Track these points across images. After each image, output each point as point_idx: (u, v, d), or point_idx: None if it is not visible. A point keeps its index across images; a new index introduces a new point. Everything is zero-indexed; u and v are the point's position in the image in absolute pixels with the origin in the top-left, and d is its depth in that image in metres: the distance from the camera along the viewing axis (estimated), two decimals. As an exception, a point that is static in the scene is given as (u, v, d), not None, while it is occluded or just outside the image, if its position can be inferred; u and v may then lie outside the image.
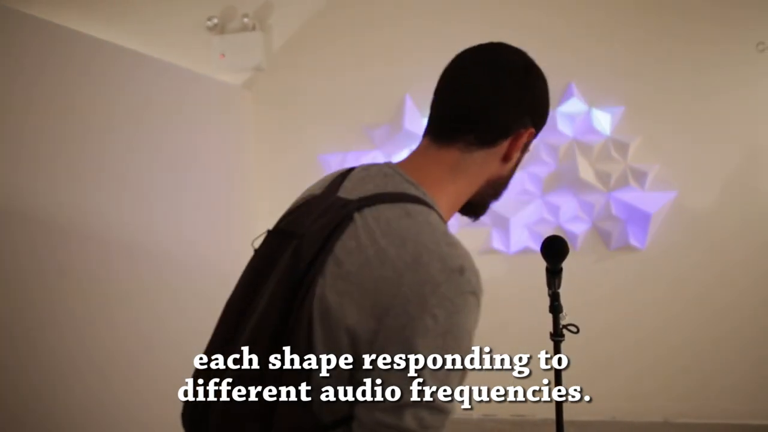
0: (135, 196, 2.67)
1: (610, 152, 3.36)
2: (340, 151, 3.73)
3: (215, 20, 3.80)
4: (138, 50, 2.82)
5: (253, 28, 3.79)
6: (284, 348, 0.80)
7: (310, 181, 3.75)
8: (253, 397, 0.80)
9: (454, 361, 0.78)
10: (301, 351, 0.79)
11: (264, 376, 0.80)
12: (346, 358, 0.79)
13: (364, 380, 0.77)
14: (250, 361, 0.82)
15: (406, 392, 0.75)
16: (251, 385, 0.81)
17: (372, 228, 0.83)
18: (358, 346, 0.79)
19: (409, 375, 0.75)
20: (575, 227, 3.44)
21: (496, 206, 3.67)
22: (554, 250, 1.54)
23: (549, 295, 1.64)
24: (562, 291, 1.67)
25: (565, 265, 1.64)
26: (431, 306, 0.77)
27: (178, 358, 2.79)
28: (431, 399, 0.75)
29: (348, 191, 0.91)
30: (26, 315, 2.08)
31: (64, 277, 2.24)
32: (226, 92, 3.65)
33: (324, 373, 0.79)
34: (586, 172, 3.36)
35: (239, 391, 0.82)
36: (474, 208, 1.03)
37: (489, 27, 3.46)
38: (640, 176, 3.33)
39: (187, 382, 0.93)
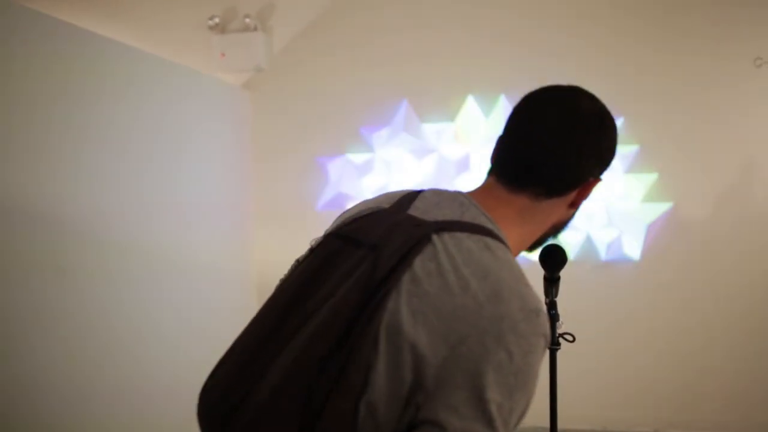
0: (133, 193, 2.67)
1: (607, 162, 3.37)
2: (338, 153, 3.73)
3: (216, 19, 3.79)
4: (137, 47, 2.81)
5: (255, 29, 3.79)
6: (345, 356, 0.77)
7: (307, 182, 3.78)
8: (295, 405, 0.77)
9: (520, 400, 0.78)
10: (361, 364, 0.77)
11: (313, 385, 0.77)
12: (405, 379, 0.77)
13: (425, 410, 0.76)
14: (303, 365, 0.78)
15: (473, 425, 0.74)
16: (295, 392, 0.77)
17: (453, 254, 0.83)
18: (422, 368, 0.77)
19: (479, 409, 0.75)
20: (570, 236, 3.45)
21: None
22: (553, 258, 1.54)
23: (546, 304, 1.64)
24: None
25: (560, 273, 1.65)
26: (508, 342, 0.77)
27: (175, 356, 2.79)
28: None
29: (421, 212, 0.90)
30: (24, 311, 2.07)
31: (62, 275, 2.23)
32: (225, 92, 3.65)
33: (379, 390, 0.77)
34: (582, 182, 3.37)
35: (280, 396, 0.78)
36: (534, 245, 1.04)
37: (489, 37, 3.48)
38: (636, 187, 3.35)
39: (218, 365, 0.88)
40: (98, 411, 2.37)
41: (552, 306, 1.63)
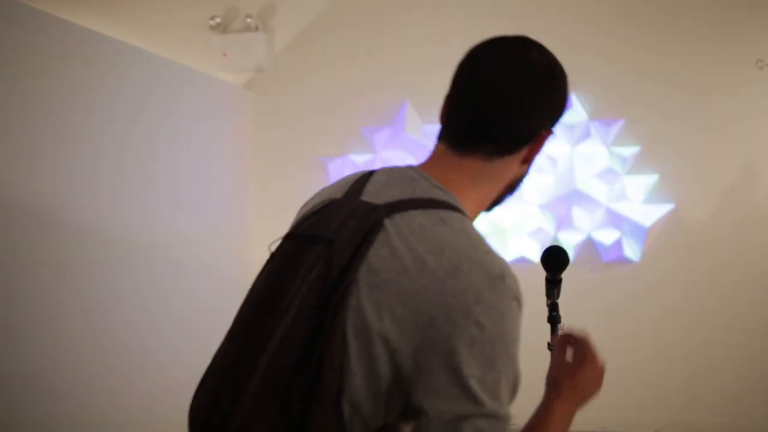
0: (133, 193, 2.66)
1: (608, 164, 3.37)
2: (339, 154, 3.73)
3: (218, 19, 3.79)
4: (139, 46, 2.81)
5: (256, 29, 3.78)
6: (316, 360, 0.76)
7: (308, 182, 3.78)
8: (277, 417, 0.76)
9: (504, 368, 0.76)
10: (334, 366, 0.75)
11: (287, 395, 0.76)
12: (383, 373, 0.76)
13: (413, 397, 0.75)
14: (278, 372, 0.77)
15: (458, 405, 0.73)
16: (273, 404, 0.76)
17: (406, 235, 0.80)
18: (397, 359, 0.76)
19: (459, 387, 0.73)
20: (571, 238, 3.45)
21: (493, 215, 3.65)
22: (556, 260, 1.53)
23: (547, 306, 1.63)
24: (555, 301, 1.66)
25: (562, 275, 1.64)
26: (476, 314, 0.75)
27: (174, 355, 2.78)
28: (485, 407, 0.73)
29: (372, 196, 0.87)
30: (23, 310, 2.07)
31: (61, 273, 2.23)
32: (226, 92, 3.64)
33: (358, 388, 0.76)
34: (583, 183, 3.37)
35: (264, 402, 0.77)
36: (490, 206, 1.00)
37: (491, 36, 3.47)
38: (637, 188, 3.35)
39: (200, 383, 0.87)
40: (98, 408, 2.37)
41: (554, 308, 1.62)
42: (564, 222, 3.46)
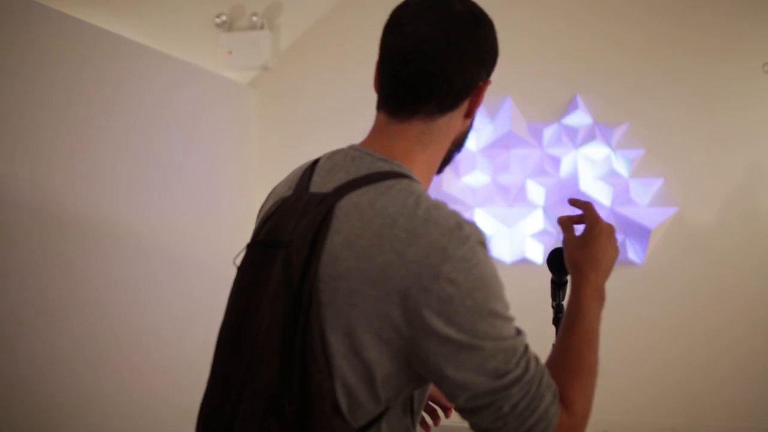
0: (137, 190, 2.66)
1: (613, 166, 3.37)
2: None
3: (224, 17, 3.79)
4: (143, 43, 2.81)
5: (262, 27, 3.79)
6: (298, 365, 0.75)
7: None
8: (276, 418, 0.76)
9: (494, 310, 0.76)
10: (319, 364, 0.75)
11: (282, 396, 0.75)
12: (373, 358, 0.75)
13: (433, 374, 0.76)
14: (265, 382, 0.77)
15: (464, 364, 0.74)
16: (270, 407, 0.76)
17: (356, 216, 0.78)
18: (386, 339, 0.75)
19: (454, 345, 0.73)
20: (575, 239, 3.45)
21: (498, 215, 3.65)
22: (561, 262, 1.52)
23: (552, 307, 1.62)
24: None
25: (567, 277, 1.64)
26: (446, 272, 0.73)
27: (175, 354, 2.79)
28: (484, 351, 0.74)
29: (319, 185, 0.86)
30: (23, 306, 2.07)
31: (62, 270, 2.22)
32: (231, 90, 3.65)
33: (350, 381, 0.76)
34: (587, 185, 3.37)
35: (257, 411, 0.77)
36: (441, 166, 0.98)
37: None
38: (641, 191, 3.35)
39: (204, 394, 0.87)
40: (96, 405, 2.37)
41: (559, 310, 1.62)
42: (568, 224, 3.45)
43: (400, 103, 0.90)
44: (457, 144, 0.97)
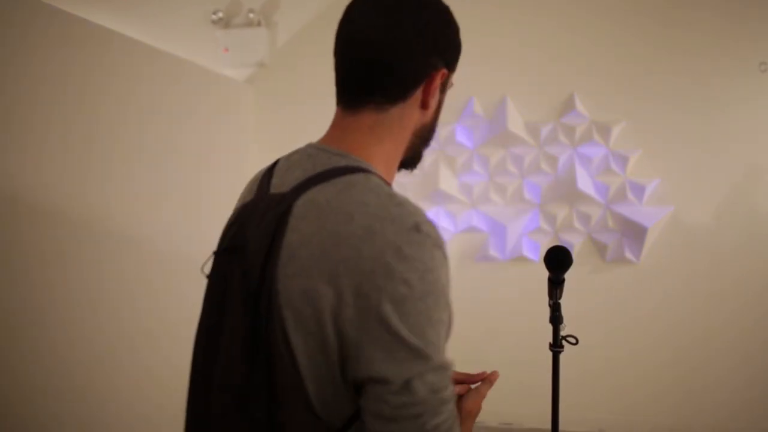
0: (133, 187, 2.65)
1: (610, 165, 3.37)
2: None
3: (220, 14, 3.78)
4: (141, 40, 2.79)
5: (258, 24, 3.78)
6: (262, 367, 0.75)
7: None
8: (249, 426, 0.76)
9: (440, 319, 0.74)
10: (285, 365, 0.74)
11: (248, 400, 0.76)
12: (334, 356, 0.74)
13: (361, 368, 0.73)
14: (231, 387, 0.77)
15: (407, 365, 0.71)
16: (243, 416, 0.76)
17: (313, 213, 0.77)
18: (342, 337, 0.73)
19: (403, 349, 0.71)
20: (571, 238, 3.45)
21: (494, 213, 3.65)
22: (559, 260, 1.53)
23: (549, 306, 1.63)
24: (555, 300, 1.66)
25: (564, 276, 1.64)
26: (400, 272, 0.71)
27: (177, 348, 2.77)
28: (431, 361, 0.72)
29: (278, 186, 0.85)
30: (28, 303, 2.06)
31: (66, 269, 2.22)
32: (228, 87, 3.63)
33: (318, 379, 0.75)
34: (584, 184, 3.37)
35: (231, 424, 0.78)
36: (407, 160, 0.96)
37: (492, 38, 3.47)
38: (637, 190, 3.35)
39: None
40: (98, 402, 2.36)
41: (556, 308, 1.63)
42: (564, 222, 3.46)
43: (348, 95, 0.89)
44: (422, 137, 0.93)
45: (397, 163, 0.92)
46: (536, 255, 3.50)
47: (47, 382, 2.14)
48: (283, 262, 0.76)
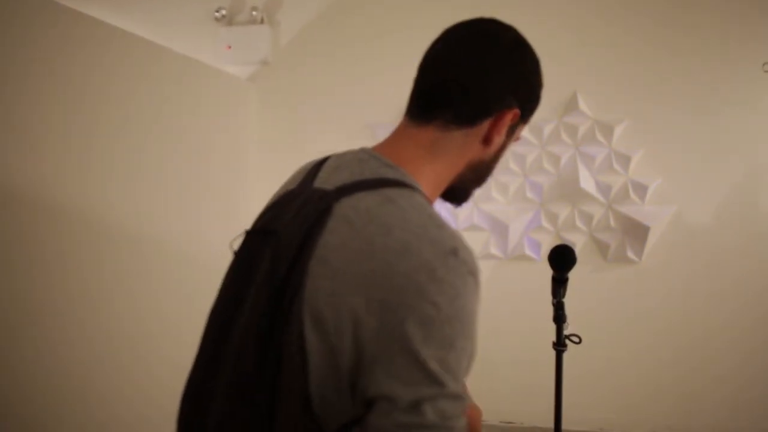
0: (133, 185, 2.65)
1: (612, 164, 3.37)
2: (343, 149, 3.71)
3: (223, 11, 3.78)
4: (142, 36, 2.79)
5: (261, 22, 3.77)
6: (274, 357, 0.74)
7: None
8: (249, 414, 0.75)
9: (463, 347, 0.72)
10: (294, 360, 0.73)
11: (255, 387, 0.75)
12: (344, 364, 0.73)
13: (373, 382, 0.71)
14: (241, 373, 0.77)
15: (420, 387, 0.69)
16: (244, 403, 0.76)
17: (353, 219, 0.76)
18: (358, 347, 0.72)
19: (419, 370, 0.69)
20: (573, 237, 3.45)
21: (496, 212, 3.65)
22: (563, 259, 1.53)
23: (553, 304, 1.63)
24: (556, 299, 1.66)
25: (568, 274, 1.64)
26: (430, 293, 0.70)
27: (177, 348, 2.77)
28: (446, 388, 0.70)
29: (323, 181, 0.85)
30: (27, 299, 2.05)
31: (66, 267, 2.21)
32: (230, 84, 3.63)
33: (323, 382, 0.74)
34: (586, 183, 3.37)
35: (233, 400, 0.77)
36: (455, 192, 0.96)
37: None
38: (640, 189, 3.35)
39: (183, 389, 0.87)
40: (96, 398, 2.36)
41: (560, 306, 1.63)
42: (566, 221, 3.46)
43: (418, 108, 0.90)
44: (476, 172, 0.94)
45: (443, 187, 0.92)
46: (538, 254, 3.49)
47: (47, 382, 2.13)
48: (315, 261, 0.75)
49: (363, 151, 0.89)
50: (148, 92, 2.75)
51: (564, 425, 1.94)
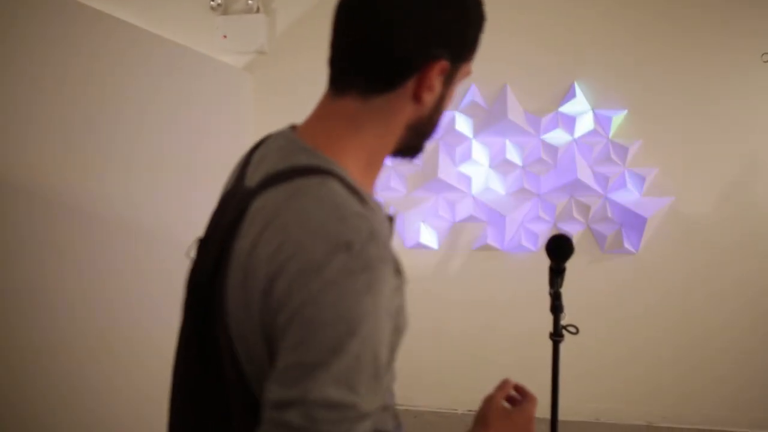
0: (126, 176, 2.63)
1: (609, 155, 3.36)
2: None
3: (219, 0, 3.74)
4: (137, 24, 2.76)
5: (257, 11, 3.74)
6: (217, 367, 0.76)
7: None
8: (203, 409, 0.80)
9: (359, 354, 0.65)
10: (228, 368, 0.75)
11: (205, 392, 0.79)
12: (266, 368, 0.73)
13: (267, 383, 0.70)
14: (185, 376, 0.82)
15: (289, 391, 0.65)
16: (198, 400, 0.80)
17: (259, 221, 0.73)
18: (270, 349, 0.72)
19: (299, 371, 0.65)
20: (570, 227, 3.45)
21: (493, 203, 3.64)
22: (561, 249, 1.52)
23: (550, 294, 1.63)
24: (552, 290, 1.66)
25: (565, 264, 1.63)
26: (315, 293, 0.65)
27: (171, 342, 2.77)
28: (322, 396, 0.63)
29: (250, 177, 0.81)
30: (23, 290, 2.05)
31: (61, 256, 2.20)
32: (226, 73, 3.61)
33: (260, 383, 0.74)
34: (584, 174, 3.36)
35: (188, 401, 0.82)
36: (404, 152, 0.88)
37: (494, 27, 3.44)
38: (637, 180, 3.35)
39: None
40: (90, 392, 2.36)
41: (557, 296, 1.63)
42: (564, 212, 3.45)
43: (333, 77, 0.82)
44: (418, 131, 0.84)
45: (382, 157, 0.84)
46: (535, 245, 3.49)
47: (48, 381, 2.13)
48: (234, 265, 0.74)
49: (283, 135, 0.85)
50: (143, 82, 2.73)
51: (560, 415, 1.95)
